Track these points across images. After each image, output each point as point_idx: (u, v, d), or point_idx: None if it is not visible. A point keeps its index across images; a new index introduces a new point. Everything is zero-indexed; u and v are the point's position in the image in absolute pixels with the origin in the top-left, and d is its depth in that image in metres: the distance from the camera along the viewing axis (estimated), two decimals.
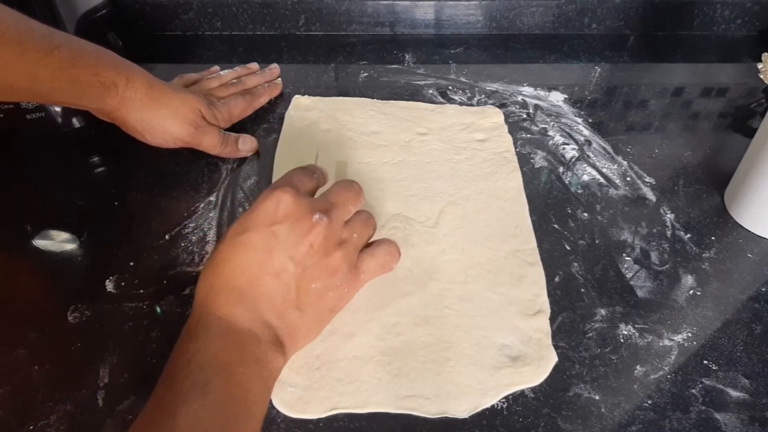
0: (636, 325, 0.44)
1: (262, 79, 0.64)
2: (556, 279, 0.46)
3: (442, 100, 0.64)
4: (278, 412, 0.38)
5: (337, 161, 0.46)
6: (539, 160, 0.57)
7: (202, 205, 0.51)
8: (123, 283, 0.45)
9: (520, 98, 0.64)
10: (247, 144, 0.56)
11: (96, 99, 0.49)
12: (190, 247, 0.48)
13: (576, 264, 0.48)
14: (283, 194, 0.38)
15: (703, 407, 0.39)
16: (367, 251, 0.42)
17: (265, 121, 0.60)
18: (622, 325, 0.44)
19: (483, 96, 0.64)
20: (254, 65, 0.65)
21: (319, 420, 0.38)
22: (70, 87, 0.47)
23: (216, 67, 0.64)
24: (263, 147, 0.57)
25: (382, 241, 0.44)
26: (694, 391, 0.40)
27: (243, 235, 0.37)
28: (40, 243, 0.48)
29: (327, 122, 0.59)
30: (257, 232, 0.37)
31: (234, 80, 0.62)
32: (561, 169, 0.56)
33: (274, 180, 0.53)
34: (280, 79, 0.65)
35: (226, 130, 0.57)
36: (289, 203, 0.38)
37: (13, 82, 0.44)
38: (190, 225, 0.49)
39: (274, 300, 0.37)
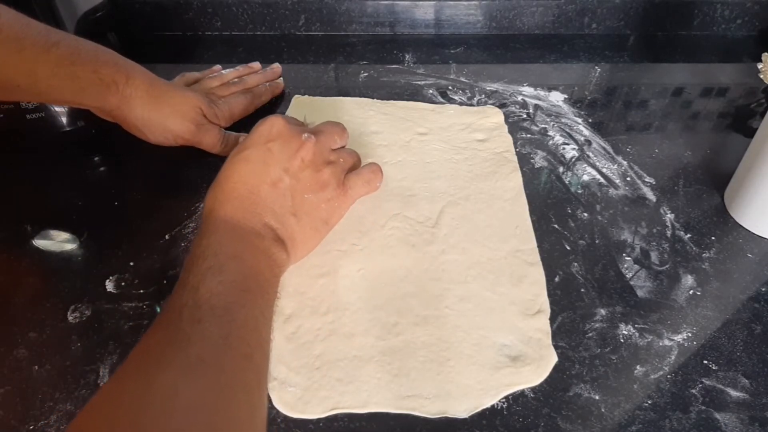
0: (636, 325, 0.44)
1: (263, 78, 0.64)
2: (556, 279, 0.46)
3: (442, 100, 0.64)
4: (278, 411, 0.38)
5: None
6: (539, 160, 0.57)
7: (201, 205, 0.51)
8: (123, 283, 0.45)
9: (520, 98, 0.64)
10: None
11: (96, 97, 0.49)
12: (190, 247, 0.48)
13: (576, 264, 0.48)
14: (275, 119, 0.44)
15: (703, 407, 0.39)
16: (353, 171, 0.49)
17: None
18: (622, 325, 0.44)
19: (483, 96, 0.64)
20: (256, 64, 0.65)
21: (319, 420, 0.38)
22: (70, 84, 0.47)
23: (218, 66, 0.64)
24: None
25: (367, 165, 0.51)
26: (694, 391, 0.40)
27: (242, 153, 0.43)
28: (40, 243, 0.48)
29: None
30: (255, 149, 0.43)
31: (235, 79, 0.62)
32: (561, 169, 0.56)
33: None
34: (281, 78, 0.65)
35: (227, 129, 0.57)
36: (281, 125, 0.44)
37: (12, 80, 0.44)
38: (190, 225, 0.49)
39: (272, 206, 0.42)
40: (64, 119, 0.55)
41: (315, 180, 0.45)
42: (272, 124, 0.44)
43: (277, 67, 0.66)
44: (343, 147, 0.49)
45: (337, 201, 0.47)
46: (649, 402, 0.39)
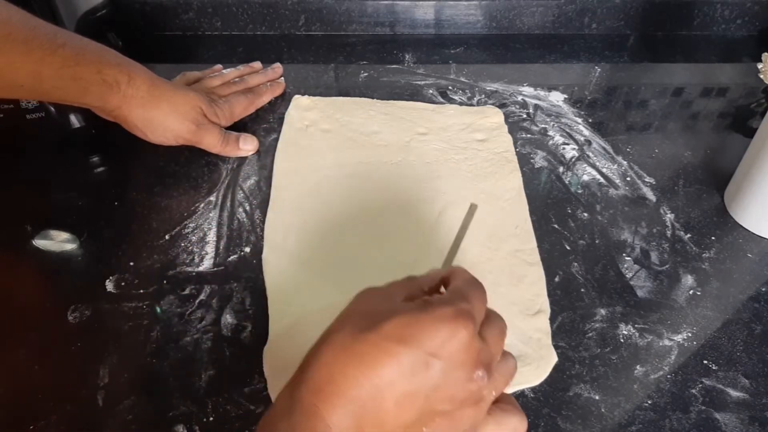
0: (636, 325, 0.44)
1: (264, 78, 0.64)
2: (556, 279, 0.46)
3: (442, 100, 0.64)
4: None
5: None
6: (539, 160, 0.57)
7: (202, 205, 0.51)
8: (123, 283, 0.45)
9: (520, 98, 0.64)
10: (248, 143, 0.56)
11: (98, 97, 0.49)
12: (190, 247, 0.48)
13: (576, 264, 0.48)
14: (464, 330, 0.30)
15: (703, 407, 0.39)
16: (493, 417, 0.33)
17: (265, 121, 0.60)
18: (622, 325, 0.44)
19: (483, 96, 0.64)
20: (257, 64, 0.65)
21: None
22: (73, 85, 0.47)
23: (219, 66, 0.64)
24: (263, 147, 0.57)
25: (513, 410, 0.34)
26: (694, 391, 0.40)
27: (398, 347, 0.29)
28: (40, 243, 0.48)
29: (327, 122, 0.59)
30: (412, 353, 0.29)
31: (236, 79, 0.62)
32: (561, 169, 0.56)
33: (274, 181, 0.53)
34: (282, 78, 0.65)
35: (227, 128, 0.57)
36: (463, 344, 0.30)
37: (17, 80, 0.44)
38: (190, 225, 0.49)
39: (382, 428, 0.30)
40: (64, 119, 0.55)
41: (449, 420, 0.31)
42: (454, 337, 0.30)
43: (278, 66, 0.66)
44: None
45: None
46: (649, 402, 0.39)
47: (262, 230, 0.49)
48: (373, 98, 0.63)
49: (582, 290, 0.46)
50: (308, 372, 0.31)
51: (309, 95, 0.63)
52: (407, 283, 0.35)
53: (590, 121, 0.62)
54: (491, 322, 0.34)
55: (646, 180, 0.55)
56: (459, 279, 0.34)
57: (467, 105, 0.63)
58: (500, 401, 0.34)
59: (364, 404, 0.29)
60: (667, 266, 0.48)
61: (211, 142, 0.54)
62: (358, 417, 0.29)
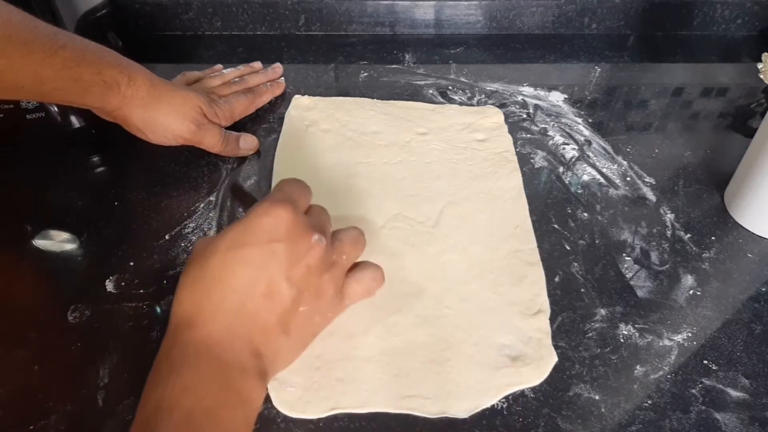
0: (636, 325, 0.44)
1: (264, 77, 0.64)
2: (556, 279, 0.46)
3: (442, 100, 0.64)
4: (278, 412, 0.38)
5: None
6: (539, 160, 0.57)
7: (202, 205, 0.51)
8: (123, 283, 0.45)
9: (520, 98, 0.64)
10: (248, 143, 0.56)
11: (98, 98, 0.49)
12: (190, 247, 0.48)
13: (576, 264, 0.48)
14: (284, 211, 0.35)
15: (703, 407, 0.39)
16: (352, 276, 0.40)
17: (265, 121, 0.60)
18: (622, 325, 0.44)
19: (483, 96, 0.64)
20: (257, 64, 0.65)
21: (319, 420, 0.38)
22: (74, 86, 0.47)
23: (219, 66, 0.64)
24: (263, 147, 0.57)
25: (367, 264, 0.41)
26: (694, 391, 0.40)
27: (239, 251, 0.34)
28: (40, 243, 0.48)
29: (327, 122, 0.59)
30: (256, 249, 0.34)
31: (236, 78, 0.62)
32: (561, 169, 0.56)
33: (274, 181, 0.53)
34: (283, 78, 0.65)
35: (227, 128, 0.57)
36: (290, 221, 0.35)
37: (17, 82, 0.44)
38: (190, 225, 0.49)
39: (266, 324, 0.34)
40: (64, 119, 0.55)
41: (315, 289, 0.37)
42: (280, 219, 0.35)
43: (278, 66, 0.66)
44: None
45: (330, 311, 0.39)
46: (649, 402, 0.39)
47: None
48: (373, 98, 0.63)
49: (582, 290, 0.46)
50: (176, 317, 0.34)
51: (309, 95, 0.63)
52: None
53: (590, 121, 0.62)
54: (314, 206, 0.41)
55: (646, 180, 0.55)
56: (280, 184, 0.40)
57: (467, 105, 0.63)
58: (362, 265, 0.41)
59: (235, 313, 0.33)
60: (667, 266, 0.48)
61: (212, 142, 0.54)
62: (234, 330, 0.33)
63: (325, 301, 0.38)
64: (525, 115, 0.62)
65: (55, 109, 0.55)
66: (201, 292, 0.34)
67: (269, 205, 0.36)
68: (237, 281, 0.34)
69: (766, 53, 0.71)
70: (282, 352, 0.36)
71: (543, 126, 0.61)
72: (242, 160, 0.56)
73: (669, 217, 0.52)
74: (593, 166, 0.57)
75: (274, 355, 0.35)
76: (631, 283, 0.46)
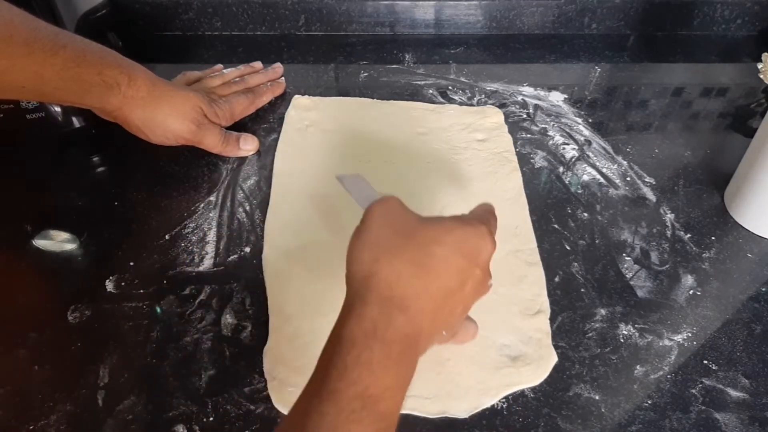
0: (636, 325, 0.44)
1: (265, 77, 0.63)
2: (556, 279, 0.46)
3: (442, 100, 0.64)
4: (278, 412, 0.38)
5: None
6: (539, 160, 0.57)
7: (202, 205, 0.51)
8: (123, 283, 0.45)
9: (520, 98, 0.64)
10: (248, 143, 0.56)
11: (99, 98, 0.49)
12: (190, 247, 0.48)
13: (576, 264, 0.48)
14: (492, 246, 0.36)
15: (703, 407, 0.39)
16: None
17: (265, 121, 0.60)
18: (622, 325, 0.44)
19: (483, 96, 0.64)
20: (258, 64, 0.65)
21: None
22: (75, 86, 0.47)
23: (219, 66, 0.64)
24: (263, 147, 0.57)
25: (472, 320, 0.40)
26: (694, 391, 0.40)
27: (461, 259, 0.34)
28: (40, 243, 0.48)
29: (327, 122, 0.59)
30: (469, 264, 0.34)
31: (237, 78, 0.62)
32: (561, 169, 0.56)
33: (274, 181, 0.53)
34: (283, 78, 0.65)
35: (228, 128, 0.57)
36: (490, 256, 0.36)
37: (19, 82, 0.44)
38: (190, 225, 0.49)
39: (443, 325, 0.35)
40: (64, 119, 0.55)
41: (481, 289, 0.37)
42: (489, 253, 0.36)
43: (278, 66, 0.66)
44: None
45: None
46: (649, 402, 0.39)
47: (262, 230, 0.49)
48: (373, 98, 0.63)
49: (582, 290, 0.46)
50: (379, 285, 0.32)
51: (309, 95, 0.63)
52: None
53: (590, 121, 0.62)
54: None
55: (646, 180, 0.55)
56: (490, 209, 0.40)
57: (467, 105, 0.63)
58: None
59: (436, 312, 0.33)
60: (667, 266, 0.48)
61: (212, 142, 0.54)
62: (432, 325, 0.33)
63: (481, 293, 0.37)
64: (525, 115, 0.62)
65: (55, 109, 0.55)
66: (420, 278, 0.33)
67: (488, 233, 0.36)
68: (449, 283, 0.34)
69: (766, 53, 0.71)
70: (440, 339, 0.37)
71: (543, 126, 0.61)
72: (242, 160, 0.56)
73: (669, 217, 0.52)
74: (593, 166, 0.57)
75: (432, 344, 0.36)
76: (631, 283, 0.46)
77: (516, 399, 0.39)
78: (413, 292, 0.32)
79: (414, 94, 0.64)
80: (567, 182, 0.55)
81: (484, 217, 0.38)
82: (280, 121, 0.60)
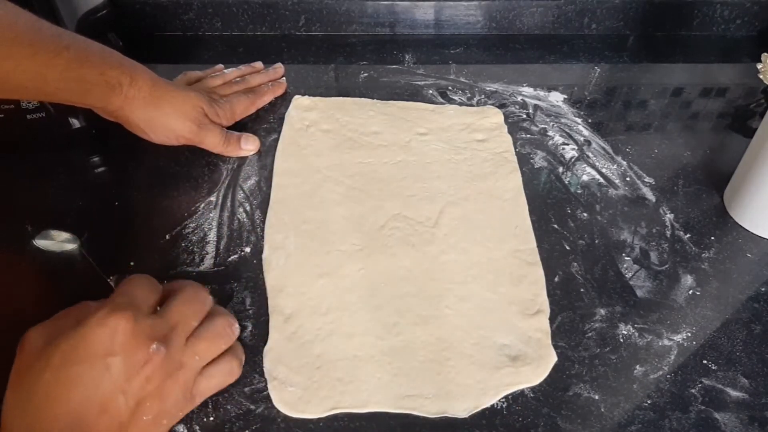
0: (636, 325, 0.44)
1: (265, 77, 0.64)
2: (556, 279, 0.46)
3: (442, 100, 0.64)
4: (278, 411, 0.38)
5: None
6: (539, 160, 0.57)
7: (202, 205, 0.51)
8: None
9: (519, 98, 0.64)
10: (249, 143, 0.56)
11: (101, 98, 0.49)
12: (191, 247, 0.48)
13: (576, 264, 0.48)
14: (122, 320, 0.33)
15: (703, 407, 0.39)
16: (205, 372, 0.37)
17: (265, 121, 0.60)
18: (622, 325, 0.44)
19: (483, 96, 0.64)
20: (258, 64, 0.65)
21: (319, 420, 0.38)
22: (77, 86, 0.47)
23: (220, 66, 0.64)
24: (263, 147, 0.57)
25: (223, 358, 0.39)
26: (693, 390, 0.40)
27: (72, 368, 0.32)
28: (40, 243, 0.48)
29: (327, 122, 0.59)
30: (89, 365, 0.32)
31: (238, 78, 0.62)
32: (561, 169, 0.56)
33: (274, 181, 0.53)
34: (284, 78, 0.65)
35: (228, 128, 0.57)
36: (127, 331, 0.33)
37: (22, 83, 0.44)
38: (191, 225, 0.49)
39: None
40: (64, 119, 0.55)
41: (157, 396, 0.34)
42: (116, 330, 0.33)
43: (279, 67, 0.66)
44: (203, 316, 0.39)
45: (181, 411, 0.36)
46: (649, 402, 0.39)
47: (263, 230, 0.49)
48: (373, 98, 0.63)
49: (582, 290, 0.46)
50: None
51: (309, 95, 0.63)
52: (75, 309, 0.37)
53: (590, 121, 0.62)
54: (173, 297, 0.38)
55: (646, 180, 0.55)
56: (123, 284, 0.37)
57: (467, 105, 0.63)
58: (218, 358, 0.38)
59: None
60: (666, 266, 0.48)
61: (213, 141, 0.54)
62: None
63: (172, 403, 0.35)
64: (525, 116, 0.62)
65: (56, 109, 0.55)
66: (31, 415, 0.32)
67: (106, 314, 0.33)
68: (70, 402, 0.32)
69: (765, 53, 0.71)
70: None
71: (543, 126, 0.61)
72: (242, 160, 0.56)
73: (668, 217, 0.52)
74: (593, 166, 0.57)
75: None
76: (631, 283, 0.47)
77: (516, 399, 0.39)
78: (23, 427, 0.31)
79: (414, 95, 0.64)
80: (566, 182, 0.55)
81: (117, 299, 0.35)
82: (281, 121, 0.60)
